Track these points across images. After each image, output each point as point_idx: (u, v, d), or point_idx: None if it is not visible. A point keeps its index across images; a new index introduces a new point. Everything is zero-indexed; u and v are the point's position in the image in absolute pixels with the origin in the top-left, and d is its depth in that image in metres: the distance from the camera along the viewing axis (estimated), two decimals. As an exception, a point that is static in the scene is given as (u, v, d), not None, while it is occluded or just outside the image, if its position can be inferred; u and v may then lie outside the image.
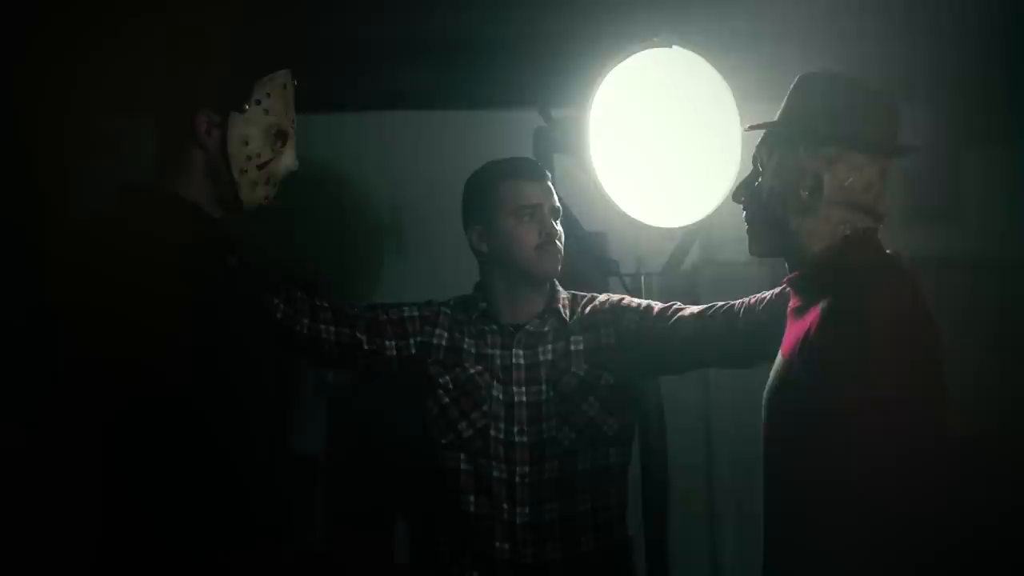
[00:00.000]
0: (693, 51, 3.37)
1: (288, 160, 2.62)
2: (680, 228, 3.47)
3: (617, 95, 3.33)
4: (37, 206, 3.30)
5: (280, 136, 2.59)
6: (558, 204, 3.16)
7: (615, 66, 3.32)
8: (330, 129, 3.76)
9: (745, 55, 3.48)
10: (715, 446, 4.12)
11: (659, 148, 3.36)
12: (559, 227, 3.14)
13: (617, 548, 3.14)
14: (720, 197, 3.33)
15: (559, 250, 3.12)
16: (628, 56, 3.33)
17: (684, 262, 3.62)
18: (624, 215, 3.36)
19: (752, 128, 2.57)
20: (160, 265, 2.44)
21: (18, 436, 2.38)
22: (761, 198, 2.51)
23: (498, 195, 3.12)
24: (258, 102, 2.55)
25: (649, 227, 3.39)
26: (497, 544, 3.03)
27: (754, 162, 2.56)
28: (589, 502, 3.07)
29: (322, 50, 3.63)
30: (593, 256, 3.57)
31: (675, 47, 3.36)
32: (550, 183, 3.17)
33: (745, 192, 2.56)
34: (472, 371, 3.11)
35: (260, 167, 2.57)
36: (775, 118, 2.54)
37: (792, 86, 2.52)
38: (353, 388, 3.87)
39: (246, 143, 2.55)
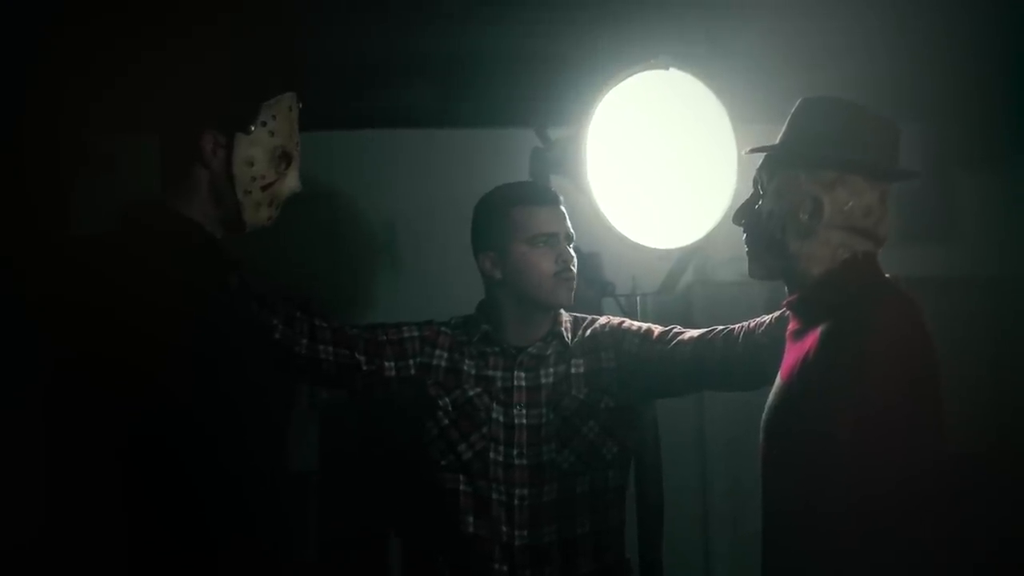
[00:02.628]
0: (689, 73, 3.38)
1: (292, 182, 2.62)
2: (676, 249, 3.48)
3: (614, 116, 3.34)
4: (38, 222, 3.31)
5: (284, 158, 2.60)
6: (572, 230, 3.15)
7: (612, 87, 3.32)
8: (326, 147, 3.75)
9: (741, 77, 3.49)
10: (709, 467, 4.12)
11: (655, 169, 3.37)
12: (572, 253, 3.14)
13: (615, 570, 3.15)
14: (716, 218, 3.34)
15: (574, 277, 3.11)
16: (625, 78, 3.33)
17: (679, 283, 3.63)
18: (620, 236, 3.36)
19: (753, 151, 2.58)
20: (162, 284, 2.44)
21: (17, 452, 2.37)
22: (761, 221, 2.52)
23: (512, 221, 3.10)
24: (264, 124, 2.55)
25: (645, 248, 3.40)
26: (496, 566, 3.03)
27: (754, 185, 2.57)
28: (588, 524, 3.07)
29: (318, 68, 3.64)
30: (589, 277, 3.58)
31: (672, 69, 3.37)
32: (563, 207, 3.16)
33: (745, 215, 2.57)
34: (472, 393, 3.10)
35: (264, 188, 2.57)
36: (776, 141, 2.56)
37: (793, 110, 2.54)
38: (347, 405, 3.86)
39: (251, 164, 2.55)
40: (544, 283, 3.08)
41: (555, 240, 3.10)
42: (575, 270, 3.13)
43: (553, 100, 3.59)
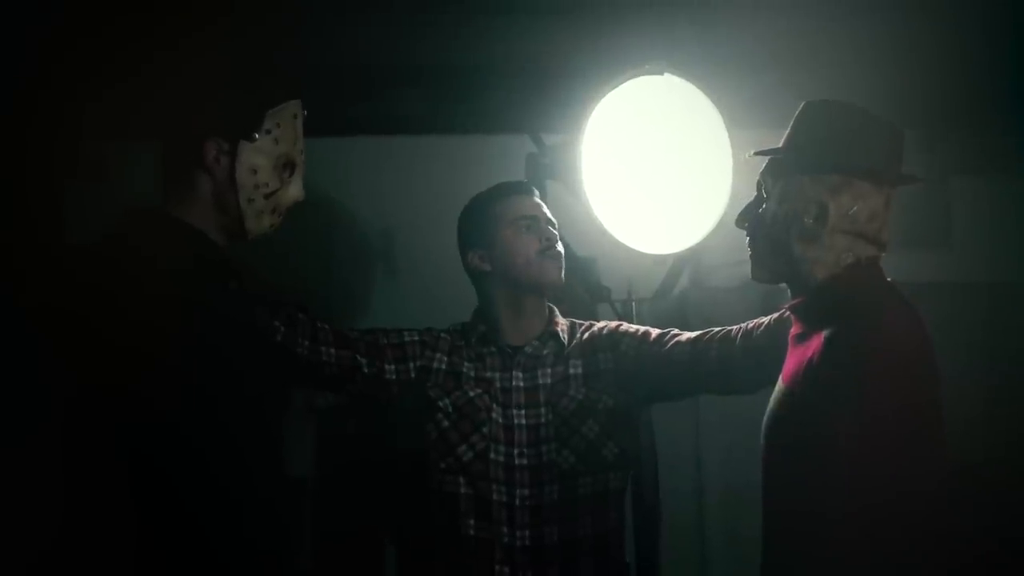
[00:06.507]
0: (684, 78, 3.39)
1: (295, 191, 2.62)
2: (671, 254, 3.48)
3: (609, 122, 3.34)
4: (37, 231, 3.30)
5: (288, 166, 2.59)
6: (552, 217, 3.20)
7: (607, 93, 3.33)
8: (322, 153, 3.74)
9: (736, 82, 3.50)
10: (705, 470, 4.12)
11: (650, 175, 3.38)
12: (555, 232, 3.18)
13: (615, 573, 3.15)
14: (711, 223, 3.35)
15: (560, 255, 3.16)
16: (620, 83, 3.34)
17: (675, 288, 3.63)
18: (615, 241, 3.37)
19: (757, 154, 2.57)
20: (162, 290, 2.43)
21: (15, 461, 2.36)
22: (765, 224, 2.52)
23: (495, 213, 3.17)
24: (268, 132, 2.54)
25: (640, 253, 3.40)
26: (497, 568, 3.03)
27: (758, 188, 2.57)
28: (589, 526, 3.07)
29: (314, 75, 3.63)
30: (584, 282, 3.58)
31: (666, 74, 3.38)
32: (537, 198, 3.22)
33: (748, 218, 2.57)
34: (472, 394, 3.11)
35: (267, 196, 2.56)
36: (774, 145, 2.56)
37: (797, 113, 2.53)
38: (344, 410, 3.85)
39: (255, 172, 2.54)
40: (531, 262, 3.13)
41: (536, 222, 3.16)
42: (561, 250, 3.16)
43: (548, 106, 3.60)
